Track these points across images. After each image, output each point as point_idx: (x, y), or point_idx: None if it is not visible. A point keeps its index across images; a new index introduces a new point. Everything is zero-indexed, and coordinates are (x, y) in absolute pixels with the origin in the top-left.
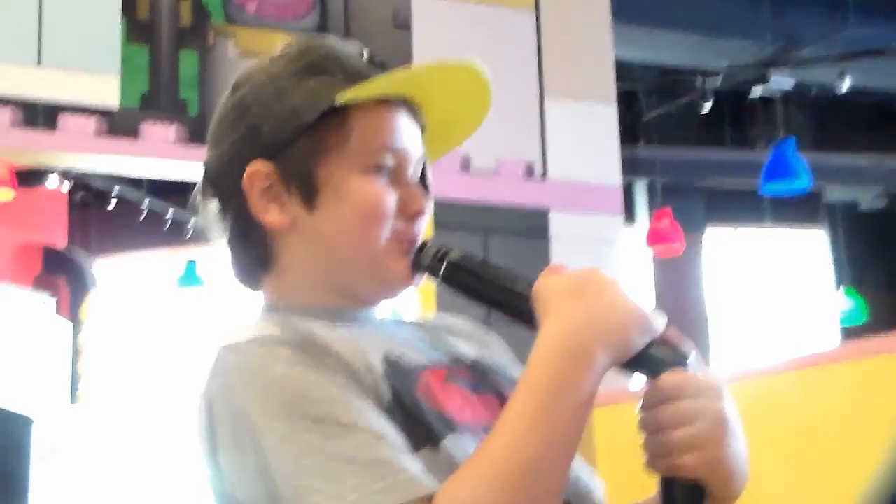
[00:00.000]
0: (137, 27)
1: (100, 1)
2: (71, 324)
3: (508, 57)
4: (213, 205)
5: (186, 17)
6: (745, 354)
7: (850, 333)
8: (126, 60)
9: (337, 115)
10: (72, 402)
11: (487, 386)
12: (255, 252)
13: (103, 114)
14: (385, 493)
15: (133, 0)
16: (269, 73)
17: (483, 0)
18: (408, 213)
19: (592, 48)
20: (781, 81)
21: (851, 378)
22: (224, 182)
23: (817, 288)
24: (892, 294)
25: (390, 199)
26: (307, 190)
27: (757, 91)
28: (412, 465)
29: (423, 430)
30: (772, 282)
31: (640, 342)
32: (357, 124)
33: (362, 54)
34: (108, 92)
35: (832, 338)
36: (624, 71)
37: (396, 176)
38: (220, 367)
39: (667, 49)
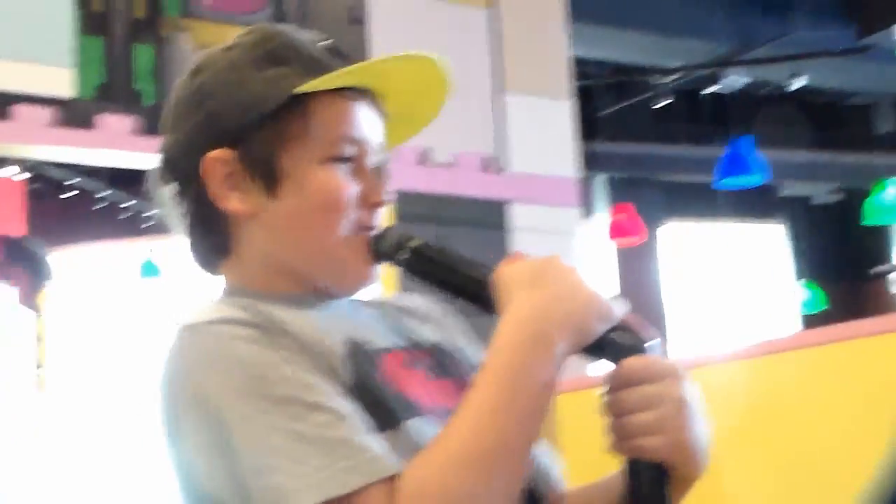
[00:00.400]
0: (92, 19)
1: None
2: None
3: (465, 52)
4: (169, 190)
5: (141, 9)
6: (704, 346)
7: (810, 323)
8: (81, 52)
9: (297, 105)
10: (34, 390)
11: (446, 370)
12: (214, 238)
13: (58, 104)
14: (349, 472)
15: None
16: (229, 60)
17: None
18: (368, 204)
19: (549, 44)
20: (735, 80)
21: (811, 365)
22: (182, 168)
23: (777, 280)
24: (849, 284)
25: (350, 189)
26: (269, 178)
27: (711, 89)
28: (376, 444)
29: (384, 413)
30: (731, 274)
31: (599, 328)
32: (317, 114)
33: (321, 44)
34: (62, 83)
35: (793, 328)
36: (581, 67)
37: (357, 166)
38: (181, 349)
39: (623, 47)
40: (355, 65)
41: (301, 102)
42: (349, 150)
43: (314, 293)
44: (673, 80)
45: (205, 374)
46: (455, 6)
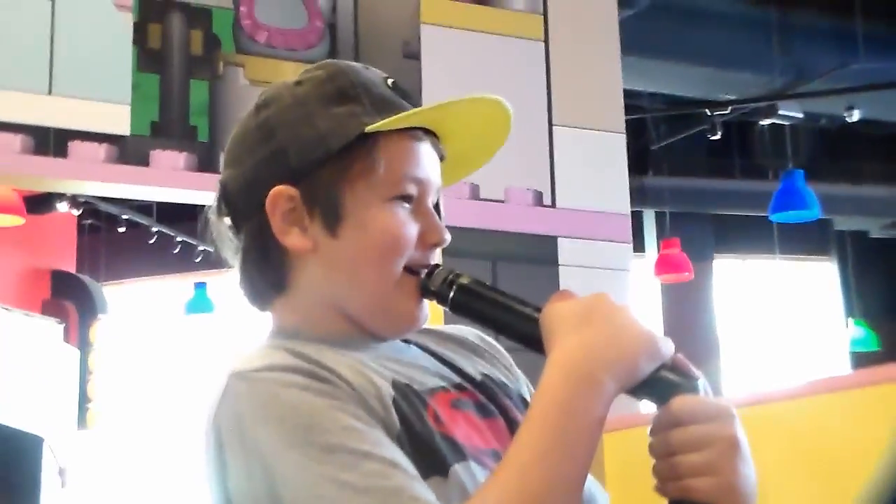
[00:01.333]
0: (148, 56)
1: (111, 30)
2: (78, 350)
3: (517, 86)
4: (226, 223)
5: (197, 46)
6: (755, 383)
7: (860, 361)
8: (137, 88)
9: (364, 144)
10: (80, 427)
11: (495, 408)
12: (270, 273)
13: (113, 141)
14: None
15: (145, 29)
16: (295, 96)
17: (492, 30)
18: (426, 244)
19: (601, 78)
20: (790, 112)
21: (863, 404)
22: (243, 202)
23: (827, 318)
24: None
25: (411, 230)
26: (331, 216)
27: (766, 122)
28: (426, 493)
29: (432, 458)
30: (781, 311)
31: (648, 368)
32: (383, 154)
33: (387, 81)
34: (118, 119)
35: (842, 367)
36: (633, 101)
37: (417, 206)
38: (230, 395)
39: (676, 81)
40: (426, 106)
41: (368, 141)
42: (412, 190)
43: (364, 333)
44: (727, 114)
45: (254, 423)
46: (508, 39)
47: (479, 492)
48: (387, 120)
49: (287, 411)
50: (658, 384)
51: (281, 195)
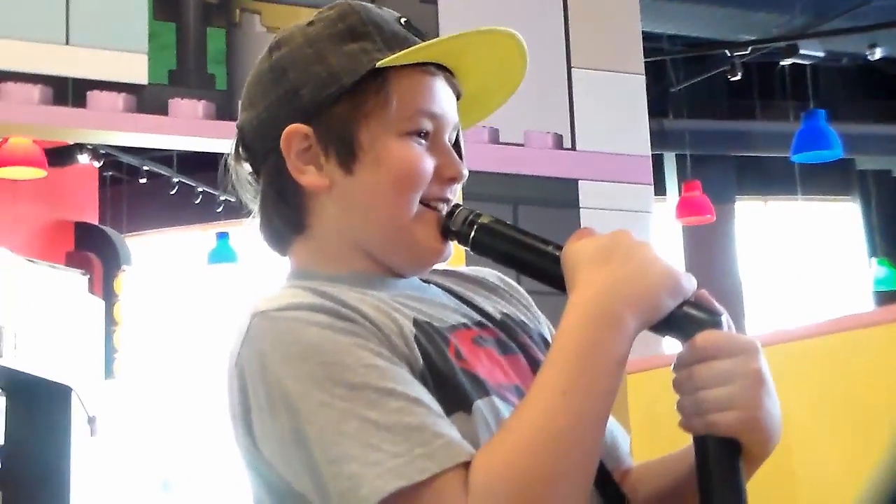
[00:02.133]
0: (164, 4)
1: None
2: (103, 301)
3: (535, 30)
4: (246, 167)
5: None
6: (779, 324)
7: (883, 300)
8: (153, 37)
9: (376, 80)
10: (107, 376)
11: (516, 345)
12: (288, 214)
13: (132, 90)
14: (425, 458)
15: None
16: (307, 36)
17: None
18: (443, 179)
19: (620, 20)
20: (811, 52)
21: (887, 341)
22: (259, 143)
23: (850, 258)
24: None
25: (427, 163)
26: (346, 153)
27: (786, 62)
28: (449, 430)
29: (455, 394)
30: (805, 253)
31: (670, 304)
32: (396, 89)
33: (400, 20)
34: (136, 69)
35: (865, 305)
36: (652, 43)
37: (433, 141)
38: (253, 335)
39: (695, 22)
40: (436, 39)
41: (380, 77)
42: (427, 125)
43: (384, 271)
44: (747, 55)
45: (277, 362)
46: None
47: (501, 431)
48: (398, 54)
49: (310, 349)
50: (681, 320)
51: (295, 134)
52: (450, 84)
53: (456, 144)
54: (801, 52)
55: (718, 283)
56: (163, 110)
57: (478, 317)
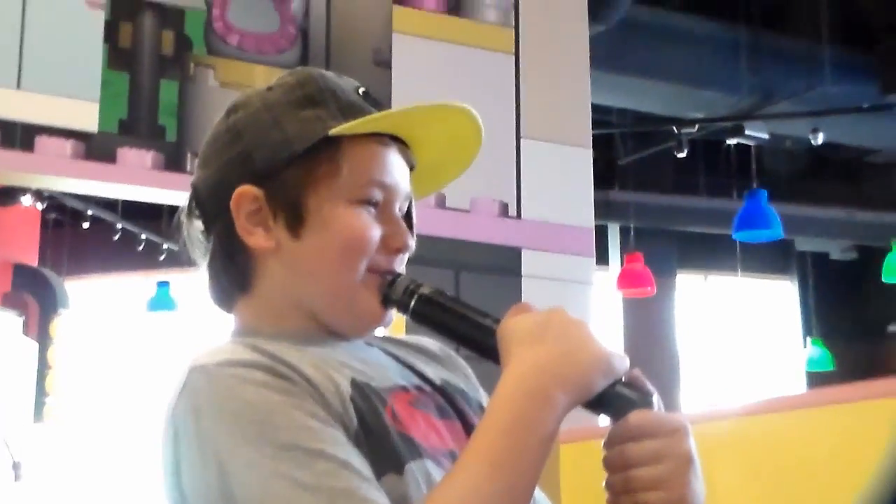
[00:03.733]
0: (118, 54)
1: (82, 27)
2: (38, 343)
3: (486, 98)
4: (198, 224)
5: (168, 46)
6: (713, 398)
7: (815, 381)
8: (106, 86)
9: (329, 147)
10: (37, 420)
11: (454, 411)
12: (235, 273)
13: (81, 137)
14: None
15: (116, 28)
16: (265, 101)
17: (464, 42)
18: (390, 249)
19: (570, 92)
20: (756, 133)
21: (816, 423)
22: (211, 203)
23: (785, 337)
24: (859, 345)
25: (375, 232)
26: (294, 217)
27: (732, 141)
28: (377, 495)
29: (388, 456)
30: (741, 329)
31: (601, 384)
32: (348, 157)
33: (358, 90)
34: (86, 116)
35: (798, 385)
36: (602, 115)
37: (383, 211)
38: (189, 389)
39: (645, 97)
40: (389, 111)
41: (333, 145)
42: (377, 195)
43: (325, 332)
44: (694, 132)
45: (211, 417)
46: (479, 51)
47: (429, 496)
48: (350, 123)
49: (243, 407)
50: (613, 399)
51: (245, 195)
52: (403, 155)
53: (408, 214)
54: (747, 132)
55: (656, 355)
56: (111, 159)
57: (417, 380)
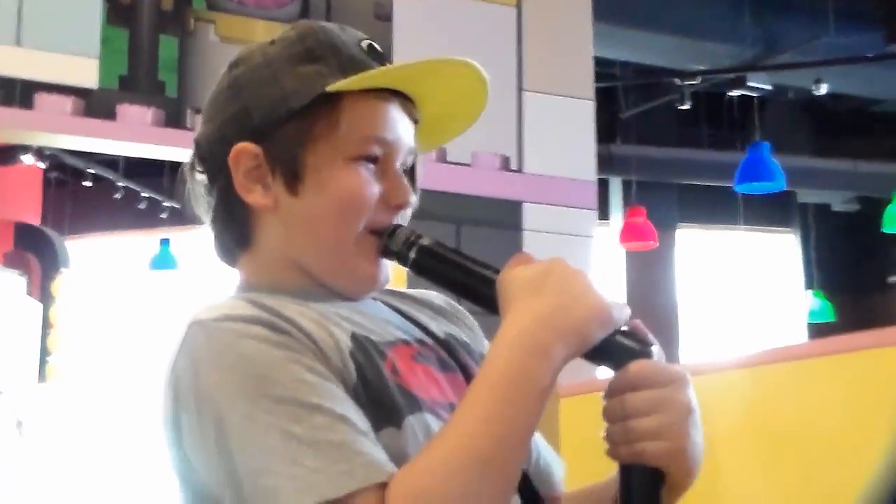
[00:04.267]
0: (118, 10)
1: None
2: (41, 303)
3: (488, 51)
4: (200, 180)
5: (168, 1)
6: (713, 351)
7: (816, 332)
8: (106, 42)
9: (328, 103)
10: (40, 380)
11: (457, 364)
12: (235, 230)
13: (81, 94)
14: (343, 475)
15: None
16: (265, 56)
17: None
18: (390, 206)
19: (572, 44)
20: (759, 85)
21: (817, 374)
22: (212, 159)
23: (786, 289)
24: (859, 296)
25: (373, 189)
26: (291, 175)
27: (734, 93)
28: (373, 449)
29: (387, 409)
30: (742, 282)
31: (600, 335)
32: (347, 113)
33: (361, 43)
34: (86, 73)
35: (800, 337)
36: (604, 68)
37: (383, 167)
38: (189, 344)
39: (647, 49)
40: (388, 66)
41: (332, 101)
42: (376, 151)
43: (324, 290)
44: (696, 84)
45: (209, 371)
46: (481, 3)
47: (423, 451)
48: (348, 80)
49: (241, 361)
50: (613, 349)
51: (244, 152)
52: (405, 110)
53: (411, 170)
54: (749, 84)
55: (658, 308)
56: (111, 115)
57: (420, 334)
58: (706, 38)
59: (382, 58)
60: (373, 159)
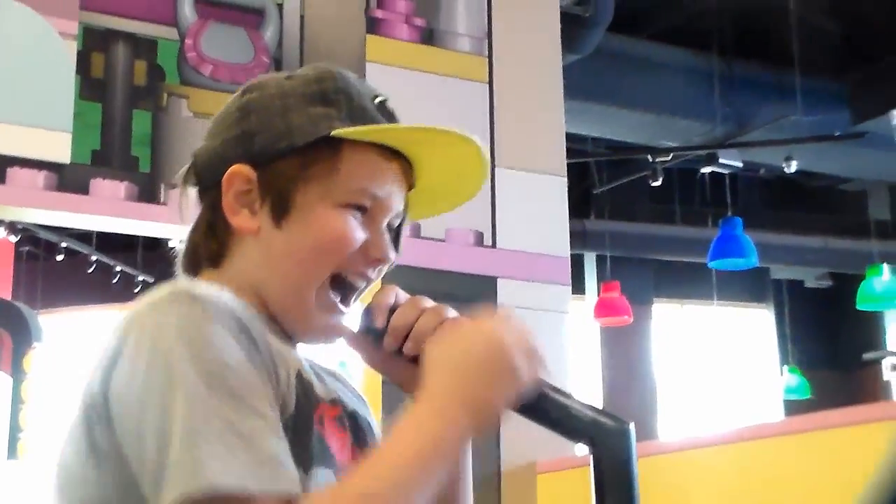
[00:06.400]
0: (91, 84)
1: (54, 58)
2: (11, 378)
3: (460, 125)
4: (191, 192)
5: (141, 76)
6: (691, 427)
7: (792, 409)
8: (79, 117)
9: (329, 147)
10: (10, 456)
11: (363, 440)
12: (212, 245)
13: (54, 169)
14: (269, 478)
15: (88, 58)
16: (280, 88)
17: (437, 71)
18: (368, 257)
19: (544, 120)
20: (730, 162)
21: (796, 451)
22: (207, 174)
23: (762, 365)
24: (836, 372)
25: (358, 235)
26: (280, 207)
27: (706, 169)
28: (296, 473)
29: (304, 452)
30: (718, 357)
31: (509, 408)
32: (347, 161)
33: (375, 98)
34: (59, 147)
35: (776, 413)
36: (576, 144)
37: (369, 219)
38: (162, 305)
39: (619, 126)
40: (396, 125)
41: (334, 146)
42: (366, 204)
43: (276, 326)
44: (669, 160)
45: (178, 338)
46: (453, 80)
47: (336, 485)
48: (355, 128)
49: (211, 346)
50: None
51: (238, 175)
52: (402, 173)
53: (397, 232)
54: (721, 160)
55: (634, 383)
56: (84, 190)
57: (339, 401)
58: (677, 114)
59: (392, 117)
60: (362, 209)
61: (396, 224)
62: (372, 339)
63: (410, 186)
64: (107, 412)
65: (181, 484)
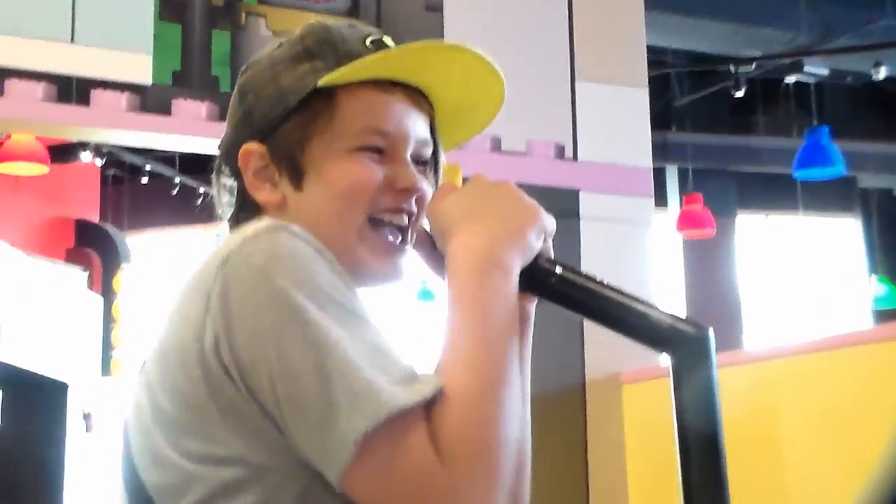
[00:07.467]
0: (170, 6)
1: None
2: (102, 297)
3: (541, 40)
4: (225, 183)
5: None
6: (778, 338)
7: (881, 319)
8: (159, 38)
9: (325, 99)
10: (104, 373)
11: None
12: None
13: (136, 90)
14: (424, 382)
15: None
16: (271, 59)
17: None
18: (395, 188)
19: (625, 32)
20: (815, 69)
21: (883, 359)
22: (231, 162)
23: (850, 275)
24: None
25: (375, 174)
26: (294, 170)
27: (790, 78)
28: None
29: None
30: (805, 268)
31: (539, 243)
32: (343, 107)
33: (365, 39)
34: (140, 69)
35: (864, 324)
36: (657, 56)
37: (388, 156)
38: (262, 242)
39: (701, 36)
40: (375, 55)
41: (329, 96)
42: (378, 142)
43: None
44: (752, 70)
45: (288, 269)
46: None
47: (441, 370)
48: (338, 71)
49: (316, 271)
50: (535, 272)
51: (251, 153)
52: (412, 101)
53: (435, 162)
54: (806, 69)
55: (717, 296)
56: (166, 111)
57: None
58: (760, 23)
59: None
60: (376, 150)
61: (429, 154)
62: (430, 244)
63: (428, 111)
64: (232, 357)
65: (363, 418)
